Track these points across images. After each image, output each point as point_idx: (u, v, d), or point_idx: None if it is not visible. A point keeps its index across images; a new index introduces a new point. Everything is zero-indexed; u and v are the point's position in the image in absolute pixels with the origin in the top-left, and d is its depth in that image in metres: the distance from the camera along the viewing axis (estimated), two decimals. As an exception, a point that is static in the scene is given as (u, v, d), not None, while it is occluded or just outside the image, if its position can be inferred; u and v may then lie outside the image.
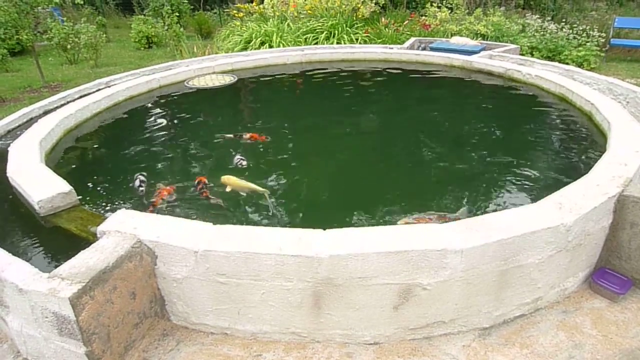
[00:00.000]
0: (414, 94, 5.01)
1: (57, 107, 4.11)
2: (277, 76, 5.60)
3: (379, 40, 8.23)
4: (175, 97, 4.81)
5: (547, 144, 3.49)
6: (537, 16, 9.58)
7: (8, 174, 2.76)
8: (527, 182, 2.90)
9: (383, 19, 9.20)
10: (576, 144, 3.39)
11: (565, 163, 3.16)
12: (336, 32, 8.40)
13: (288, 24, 8.76)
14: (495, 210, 2.05)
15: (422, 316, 1.96)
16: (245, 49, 8.36)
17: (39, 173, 2.73)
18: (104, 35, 10.21)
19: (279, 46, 7.89)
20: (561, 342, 1.97)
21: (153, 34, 11.73)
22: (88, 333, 1.72)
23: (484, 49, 6.20)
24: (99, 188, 2.95)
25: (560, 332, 2.03)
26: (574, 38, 8.34)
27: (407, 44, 6.85)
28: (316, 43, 8.25)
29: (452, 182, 2.96)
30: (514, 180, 2.95)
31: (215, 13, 15.53)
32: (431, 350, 1.96)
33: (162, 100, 4.72)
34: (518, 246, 1.89)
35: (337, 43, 8.11)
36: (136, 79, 4.93)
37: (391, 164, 3.35)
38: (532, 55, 8.07)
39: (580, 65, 7.64)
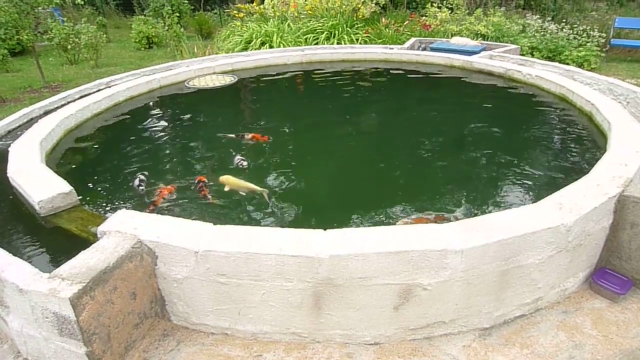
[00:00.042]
0: (414, 95, 5.01)
1: (57, 108, 4.12)
2: (277, 76, 5.60)
3: (380, 41, 8.23)
4: (176, 98, 4.81)
5: (547, 144, 3.49)
6: (538, 16, 9.58)
7: (8, 174, 2.76)
8: (527, 182, 2.90)
9: (383, 19, 9.20)
10: (576, 144, 3.39)
11: (565, 163, 3.16)
12: (336, 32, 8.40)
13: (288, 24, 8.77)
14: (495, 211, 2.05)
15: (423, 316, 1.96)
16: (245, 49, 8.37)
17: (40, 173, 2.73)
18: (105, 36, 10.21)
19: (279, 46, 7.90)
20: (561, 342, 1.97)
21: (153, 34, 11.74)
22: (88, 333, 1.72)
23: (484, 49, 6.20)
24: (99, 188, 2.95)
25: (561, 332, 2.03)
26: (575, 38, 8.34)
27: (408, 44, 6.85)
28: (316, 43, 8.25)
29: (452, 182, 2.96)
30: (514, 181, 2.95)
31: (215, 13, 15.54)
32: (431, 351, 1.96)
33: (162, 101, 4.72)
34: (518, 246, 1.89)
35: (338, 43, 8.12)
36: (136, 79, 4.93)
37: (391, 164, 3.35)
38: (533, 55, 8.07)
39: (580, 66, 7.64)
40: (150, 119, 4.28)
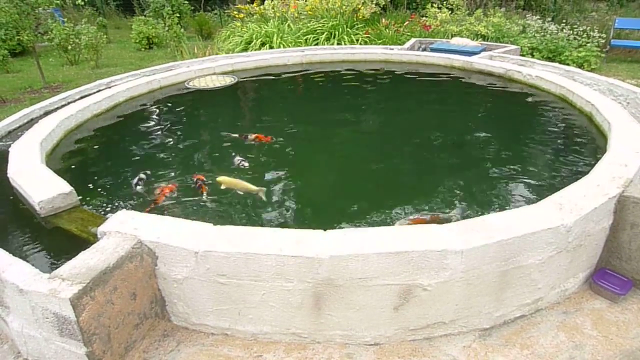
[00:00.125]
0: (414, 95, 5.01)
1: (57, 108, 4.12)
2: (277, 77, 5.61)
3: (380, 41, 8.24)
4: (176, 98, 4.81)
5: (547, 144, 3.49)
6: (538, 17, 9.58)
7: (9, 175, 2.76)
8: (527, 183, 2.90)
9: (383, 20, 9.21)
10: (576, 144, 3.39)
11: (565, 163, 3.16)
12: (337, 33, 8.41)
13: (288, 25, 8.77)
14: (494, 211, 2.05)
15: (423, 317, 1.96)
16: (245, 49, 8.37)
17: (40, 174, 2.73)
18: (105, 36, 10.22)
19: (279, 47, 7.90)
20: (562, 342, 1.97)
21: (154, 34, 11.75)
22: (88, 334, 1.72)
23: (484, 50, 6.20)
24: (99, 189, 2.95)
25: (561, 332, 2.03)
26: (575, 39, 8.34)
27: (408, 44, 6.85)
28: (317, 44, 8.25)
29: (452, 183, 2.96)
30: (513, 181, 2.95)
31: (215, 14, 15.55)
32: (432, 351, 1.96)
33: (162, 101, 4.72)
34: (518, 247, 1.89)
35: (338, 44, 8.12)
36: (137, 80, 4.93)
37: (391, 164, 3.35)
38: (533, 56, 8.07)
39: (580, 66, 7.65)
40: (150, 120, 4.29)
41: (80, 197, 2.56)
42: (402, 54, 6.00)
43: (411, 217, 2.48)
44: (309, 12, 9.17)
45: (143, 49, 11.77)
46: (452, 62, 5.48)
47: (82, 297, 1.67)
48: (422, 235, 1.87)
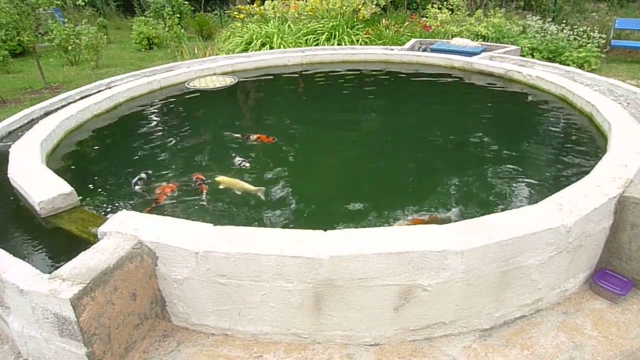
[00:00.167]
0: (414, 96, 5.01)
1: (58, 108, 4.12)
2: (278, 77, 5.61)
3: (380, 42, 8.24)
4: (176, 99, 4.81)
5: (547, 145, 3.49)
6: (538, 17, 9.59)
7: (9, 175, 2.76)
8: (527, 183, 2.90)
9: (384, 21, 9.21)
10: (576, 145, 3.39)
11: (565, 164, 3.16)
12: (337, 33, 8.41)
13: (289, 25, 8.78)
14: (495, 211, 2.05)
15: (423, 317, 1.96)
16: (246, 50, 8.38)
17: (40, 174, 2.73)
18: (105, 37, 10.22)
19: (279, 47, 7.91)
20: (562, 343, 1.97)
21: (154, 35, 11.75)
22: (89, 334, 1.73)
23: (484, 50, 6.20)
24: (99, 189, 2.96)
25: (561, 333, 2.03)
26: (575, 39, 8.35)
27: (408, 45, 6.86)
28: (317, 44, 8.26)
29: (452, 183, 2.96)
30: (514, 181, 2.95)
31: (216, 14, 15.56)
32: (432, 352, 1.96)
33: (163, 102, 4.72)
34: (518, 247, 1.89)
35: (338, 44, 8.13)
36: (137, 80, 4.94)
37: (392, 164, 3.35)
38: (533, 56, 8.08)
39: (580, 67, 7.65)
40: (150, 120, 4.29)
41: (80, 198, 2.56)
42: (403, 54, 6.00)
43: (409, 217, 2.49)
44: (309, 13, 9.17)
45: (143, 50, 11.78)
46: (453, 62, 5.48)
47: (82, 298, 1.67)
48: (422, 235, 1.87)
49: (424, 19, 9.64)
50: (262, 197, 2.75)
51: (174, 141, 3.77)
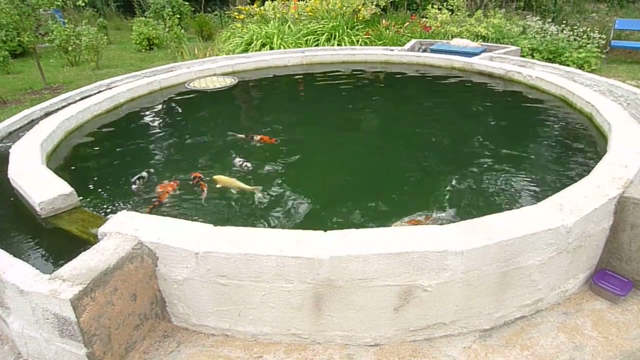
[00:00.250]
0: (414, 96, 5.01)
1: (58, 109, 4.13)
2: (278, 78, 5.61)
3: (380, 42, 8.25)
4: (176, 99, 4.82)
5: (547, 145, 3.49)
6: (538, 18, 9.59)
7: (9, 176, 2.76)
8: (527, 184, 2.90)
9: (384, 21, 9.21)
10: (576, 145, 3.39)
11: (565, 164, 3.16)
12: (337, 34, 8.42)
13: (289, 26, 8.78)
14: (495, 212, 2.05)
15: (423, 318, 1.96)
16: (246, 50, 8.38)
17: (40, 175, 2.73)
18: (105, 37, 10.23)
19: (279, 48, 7.91)
20: (562, 343, 1.97)
21: (154, 35, 11.76)
22: (89, 334, 1.73)
23: (484, 51, 6.20)
24: (100, 189, 2.96)
25: (561, 333, 2.03)
26: (575, 40, 8.35)
27: (408, 45, 6.86)
28: (317, 45, 8.26)
29: (452, 183, 2.96)
30: (514, 182, 2.95)
31: (216, 15, 15.57)
32: (432, 352, 1.96)
33: (163, 102, 4.73)
34: (518, 248, 1.89)
35: (338, 45, 8.13)
36: (137, 81, 4.94)
37: (392, 165, 3.35)
38: (533, 57, 8.08)
39: (580, 67, 7.65)
40: (150, 121, 4.29)
41: (80, 198, 2.57)
42: (403, 55, 6.00)
43: (406, 218, 2.48)
44: (309, 13, 9.18)
45: (143, 50, 11.79)
46: (453, 63, 5.49)
47: (82, 298, 1.67)
48: (423, 236, 1.87)
49: (424, 19, 9.65)
50: (260, 194, 2.77)
51: (174, 141, 3.78)
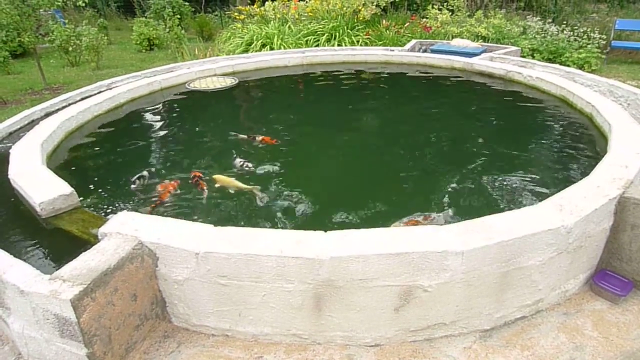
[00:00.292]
0: (414, 96, 5.02)
1: (58, 109, 4.13)
2: (278, 78, 5.61)
3: (380, 43, 8.25)
4: (177, 99, 4.82)
5: (547, 145, 3.49)
6: (538, 18, 9.59)
7: (10, 176, 2.76)
8: (527, 184, 2.90)
9: (384, 21, 9.22)
10: (577, 145, 3.39)
11: (565, 165, 3.16)
12: (337, 34, 8.42)
13: (289, 26, 8.79)
14: (495, 212, 2.05)
15: (423, 318, 1.96)
16: (246, 51, 8.38)
17: (41, 175, 2.74)
18: (106, 38, 10.24)
19: (280, 48, 7.91)
20: (562, 344, 1.97)
21: (154, 36, 11.77)
22: (89, 335, 1.73)
23: (484, 51, 6.20)
24: (100, 190, 2.96)
25: (561, 334, 2.03)
26: (575, 40, 8.35)
27: (408, 46, 6.86)
28: (317, 45, 8.27)
29: (452, 184, 2.96)
30: (514, 182, 2.94)
31: (216, 15, 15.57)
32: (432, 352, 1.96)
33: (163, 102, 4.73)
34: (519, 248, 1.89)
35: (338, 45, 8.13)
36: (137, 81, 4.94)
37: (392, 165, 3.35)
38: (533, 57, 8.08)
39: (581, 68, 7.65)
40: (151, 121, 4.29)
41: (81, 198, 2.57)
42: (403, 55, 6.01)
43: (405, 219, 2.48)
44: (310, 14, 9.18)
45: (144, 51, 11.79)
46: (453, 63, 5.49)
47: (83, 298, 1.67)
48: (423, 236, 1.87)
49: (425, 20, 9.65)
50: (258, 194, 2.77)
51: (174, 142, 3.77)
